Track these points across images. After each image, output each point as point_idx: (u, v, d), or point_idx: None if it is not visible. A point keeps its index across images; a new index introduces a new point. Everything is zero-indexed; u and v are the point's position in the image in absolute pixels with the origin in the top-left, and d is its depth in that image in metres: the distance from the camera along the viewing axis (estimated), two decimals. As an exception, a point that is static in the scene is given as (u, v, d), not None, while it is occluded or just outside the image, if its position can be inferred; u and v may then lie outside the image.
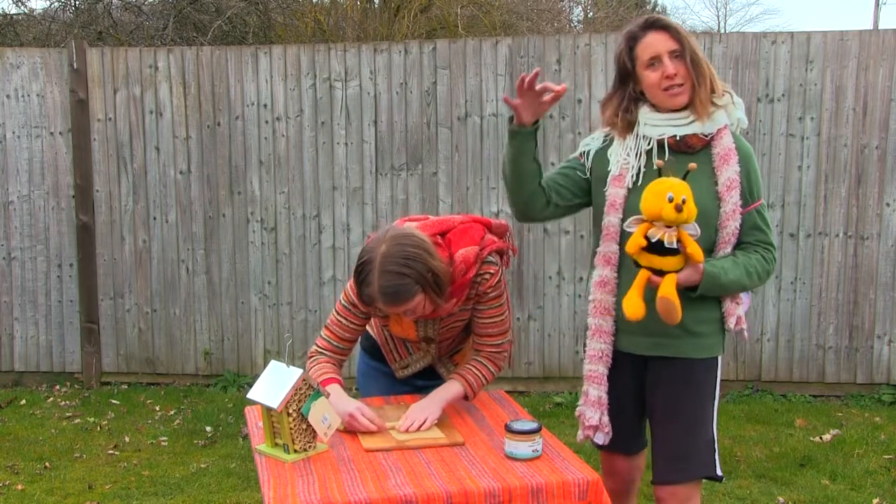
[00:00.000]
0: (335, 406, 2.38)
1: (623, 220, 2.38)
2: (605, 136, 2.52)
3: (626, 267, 2.40)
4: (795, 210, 5.36)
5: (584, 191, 2.53)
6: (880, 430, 4.78)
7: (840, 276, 5.37)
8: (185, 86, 5.68)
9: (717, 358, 2.47)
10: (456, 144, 5.54)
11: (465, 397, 2.56)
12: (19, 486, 4.13)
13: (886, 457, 4.39)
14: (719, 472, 2.46)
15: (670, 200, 2.18)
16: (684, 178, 2.23)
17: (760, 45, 5.31)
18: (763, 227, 2.42)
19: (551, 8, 12.72)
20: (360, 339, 2.79)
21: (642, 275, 2.28)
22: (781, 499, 3.87)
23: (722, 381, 5.51)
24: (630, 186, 2.40)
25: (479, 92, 5.49)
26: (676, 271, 2.27)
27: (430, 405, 2.46)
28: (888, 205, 5.30)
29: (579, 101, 5.41)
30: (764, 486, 4.03)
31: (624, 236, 2.38)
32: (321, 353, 2.59)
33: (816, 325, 5.42)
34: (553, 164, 5.45)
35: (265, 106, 5.64)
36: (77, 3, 9.01)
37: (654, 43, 2.35)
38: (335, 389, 2.49)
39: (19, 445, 4.73)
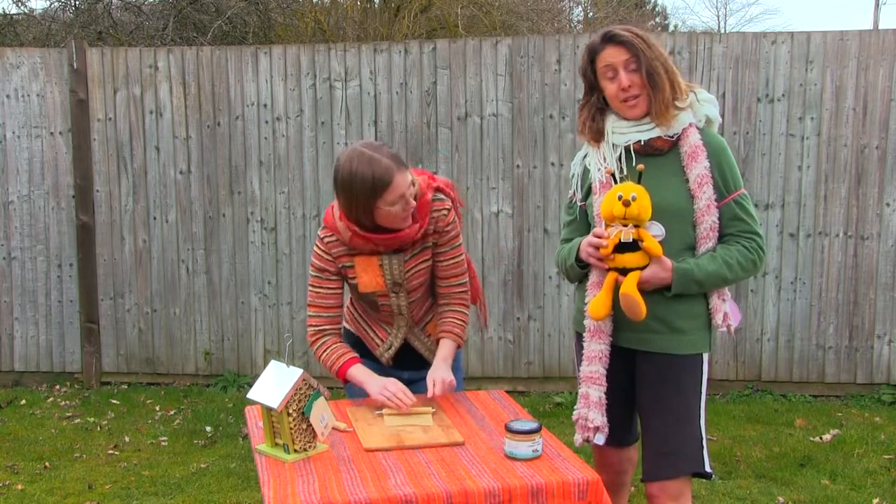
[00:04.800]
0: (369, 388, 2.57)
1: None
2: (584, 151, 2.62)
3: None
4: (795, 210, 5.36)
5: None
6: (880, 430, 4.78)
7: (840, 276, 5.37)
8: (185, 86, 5.68)
9: (701, 355, 2.47)
10: (456, 144, 5.54)
11: (458, 347, 2.78)
12: (19, 486, 4.13)
13: (886, 457, 4.39)
14: (708, 469, 2.46)
15: (619, 199, 2.31)
16: (638, 181, 2.35)
17: (760, 45, 5.31)
18: (743, 216, 2.43)
19: (551, 8, 12.73)
20: (342, 338, 2.82)
21: (609, 276, 2.39)
22: (781, 499, 3.87)
23: (722, 380, 5.45)
24: None
25: (479, 92, 5.50)
26: (641, 269, 2.35)
27: (438, 368, 2.65)
28: (888, 205, 5.30)
29: (579, 100, 5.40)
30: (764, 486, 4.03)
31: None
32: (322, 331, 2.70)
33: (816, 325, 5.42)
34: (553, 164, 5.46)
35: (265, 106, 5.64)
36: (77, 3, 9.01)
37: (611, 56, 2.42)
38: (360, 370, 2.64)
39: (19, 445, 4.73)
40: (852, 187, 5.31)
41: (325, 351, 2.68)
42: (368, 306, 2.79)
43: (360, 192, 2.46)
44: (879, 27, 19.32)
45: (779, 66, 5.30)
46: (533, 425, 2.22)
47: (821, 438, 4.65)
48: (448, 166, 5.55)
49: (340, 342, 2.71)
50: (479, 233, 5.57)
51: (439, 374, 2.63)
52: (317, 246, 2.68)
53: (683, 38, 5.49)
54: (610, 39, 2.42)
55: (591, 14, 15.12)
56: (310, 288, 2.71)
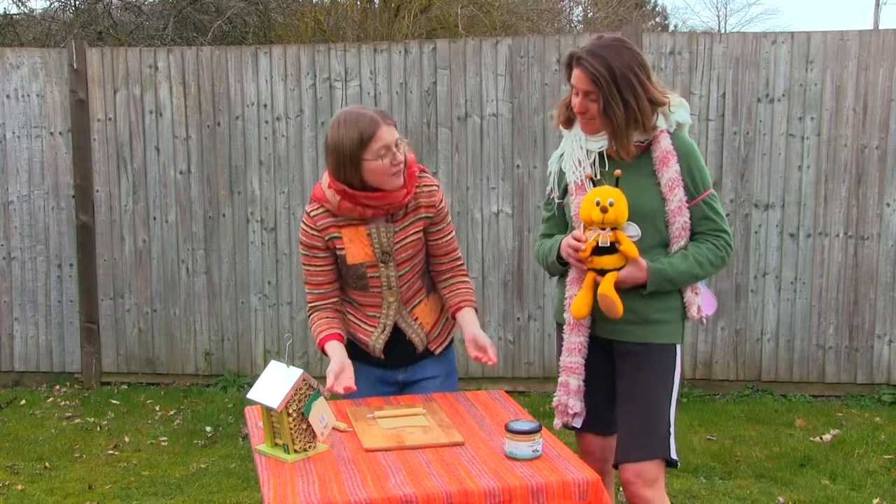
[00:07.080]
0: (330, 364, 2.59)
1: None
2: (561, 150, 2.70)
3: None
4: (795, 210, 5.36)
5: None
6: (880, 430, 4.78)
7: (840, 276, 5.37)
8: (185, 86, 5.68)
9: (675, 345, 2.59)
10: (456, 144, 5.54)
11: (476, 311, 2.84)
12: (19, 486, 4.13)
13: (886, 457, 4.39)
14: (674, 456, 2.56)
15: (598, 204, 2.43)
16: (617, 184, 2.47)
17: (760, 45, 5.31)
18: (712, 216, 2.56)
19: (551, 8, 12.74)
20: (333, 313, 2.82)
21: (588, 276, 2.53)
22: (781, 499, 3.87)
23: (722, 381, 5.45)
24: None
25: (479, 92, 5.49)
26: (618, 269, 2.49)
27: (477, 335, 2.68)
28: (888, 205, 5.30)
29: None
30: (764, 486, 4.03)
31: None
32: (314, 307, 2.77)
33: (816, 325, 5.42)
34: (553, 164, 5.45)
35: (265, 106, 5.64)
36: (77, 3, 9.01)
37: (576, 78, 2.49)
38: (332, 347, 2.66)
39: (19, 445, 4.73)
40: (852, 187, 5.31)
41: (313, 324, 2.75)
42: (357, 283, 2.74)
43: (348, 146, 2.53)
44: (879, 27, 19.33)
45: (779, 66, 5.30)
46: (533, 425, 2.22)
47: (821, 438, 4.65)
48: (448, 166, 5.55)
49: (328, 317, 2.74)
50: (479, 233, 5.57)
51: (481, 337, 2.68)
52: (303, 222, 2.71)
53: (683, 38, 5.48)
54: (577, 62, 2.48)
55: (590, 14, 15.13)
56: (302, 266, 2.78)
